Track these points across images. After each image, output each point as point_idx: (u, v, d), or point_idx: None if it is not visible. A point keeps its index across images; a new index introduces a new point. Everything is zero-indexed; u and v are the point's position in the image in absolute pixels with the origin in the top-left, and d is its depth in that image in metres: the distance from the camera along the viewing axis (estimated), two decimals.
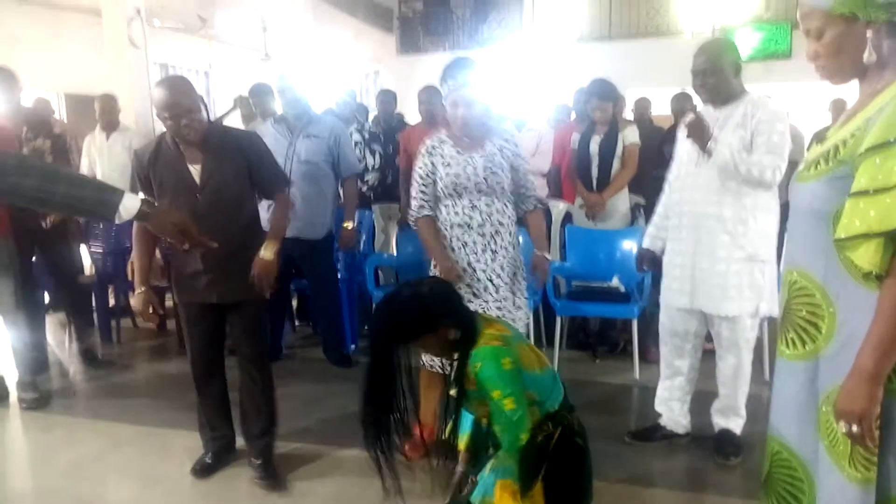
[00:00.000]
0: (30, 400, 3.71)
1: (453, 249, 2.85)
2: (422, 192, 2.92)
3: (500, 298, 2.82)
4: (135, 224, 2.71)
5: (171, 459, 3.04)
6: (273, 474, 2.83)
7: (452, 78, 2.77)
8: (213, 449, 2.95)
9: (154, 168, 2.68)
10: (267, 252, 2.71)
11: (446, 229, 2.87)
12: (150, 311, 2.72)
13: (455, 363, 1.97)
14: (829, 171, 1.43)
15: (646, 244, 3.08)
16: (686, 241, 2.81)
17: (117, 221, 1.84)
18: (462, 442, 2.14)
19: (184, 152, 2.67)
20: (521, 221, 3.02)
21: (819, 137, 1.54)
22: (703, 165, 2.72)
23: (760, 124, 2.62)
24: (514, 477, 1.82)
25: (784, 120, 2.64)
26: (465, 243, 2.83)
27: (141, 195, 1.89)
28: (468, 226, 2.82)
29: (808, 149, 1.68)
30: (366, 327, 4.71)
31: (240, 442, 3.00)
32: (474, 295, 2.81)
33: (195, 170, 2.66)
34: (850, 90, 1.51)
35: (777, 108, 2.66)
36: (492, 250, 2.82)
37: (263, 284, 2.71)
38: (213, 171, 2.66)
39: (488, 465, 1.98)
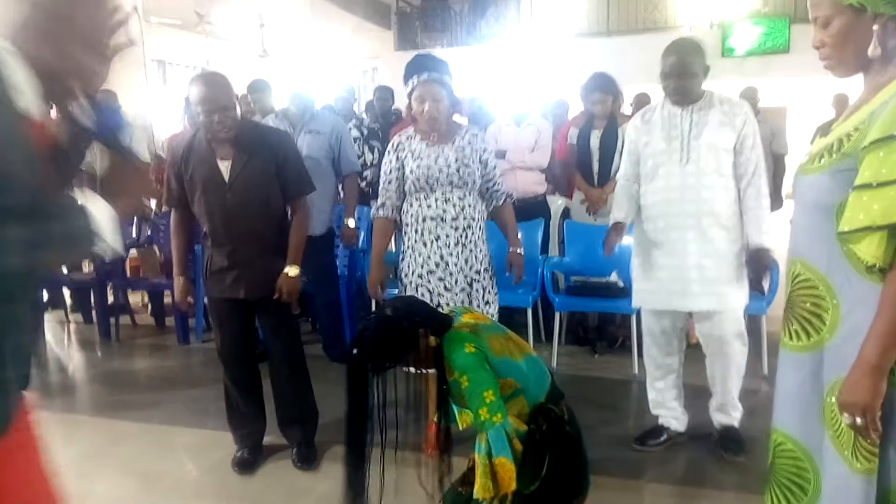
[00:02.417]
0: None
1: (425, 243, 2.83)
2: (385, 189, 2.90)
3: (470, 292, 2.83)
4: (172, 219, 2.84)
5: (171, 456, 3.05)
6: (313, 457, 2.93)
7: (416, 74, 2.75)
8: (248, 444, 2.95)
9: (186, 163, 2.71)
10: (291, 269, 2.78)
11: (418, 223, 2.84)
12: (189, 300, 2.88)
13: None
14: (832, 163, 1.43)
15: (620, 217, 2.94)
16: (677, 242, 2.76)
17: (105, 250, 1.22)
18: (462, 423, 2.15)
19: (215, 149, 2.68)
20: (490, 217, 3.01)
21: (824, 131, 1.53)
22: (686, 164, 2.71)
23: (747, 126, 2.70)
24: (508, 456, 1.82)
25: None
26: (438, 236, 2.81)
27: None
28: (441, 219, 2.80)
29: (812, 142, 1.68)
30: None
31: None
32: (445, 289, 2.81)
33: (224, 166, 2.68)
34: (852, 84, 1.51)
35: (747, 107, 2.77)
36: (463, 244, 2.82)
37: (291, 300, 2.81)
38: (241, 169, 2.68)
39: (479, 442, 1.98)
